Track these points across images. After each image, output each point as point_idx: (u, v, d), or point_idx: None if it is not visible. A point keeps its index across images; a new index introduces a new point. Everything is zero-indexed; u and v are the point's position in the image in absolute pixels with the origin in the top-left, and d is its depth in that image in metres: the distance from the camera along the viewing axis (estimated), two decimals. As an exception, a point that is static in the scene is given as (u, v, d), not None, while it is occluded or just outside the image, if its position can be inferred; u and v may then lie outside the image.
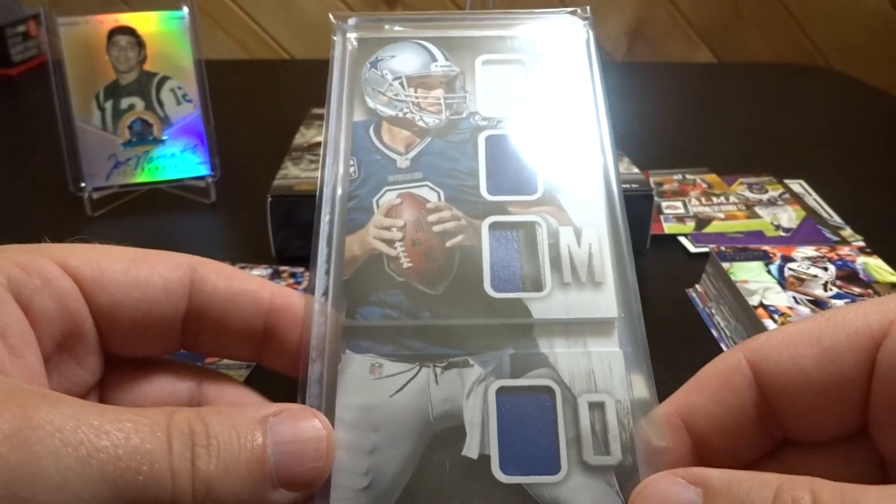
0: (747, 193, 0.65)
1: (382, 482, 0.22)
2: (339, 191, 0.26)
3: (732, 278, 0.45)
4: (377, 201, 0.26)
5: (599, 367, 0.23)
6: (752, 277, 0.45)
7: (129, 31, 0.59)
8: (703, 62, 1.17)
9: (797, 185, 0.66)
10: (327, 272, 0.25)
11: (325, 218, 0.26)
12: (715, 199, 0.64)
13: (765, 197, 0.64)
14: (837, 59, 1.20)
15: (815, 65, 1.20)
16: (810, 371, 0.20)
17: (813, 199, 0.64)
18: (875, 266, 0.46)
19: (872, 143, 0.81)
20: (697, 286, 0.50)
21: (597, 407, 0.23)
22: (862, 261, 0.47)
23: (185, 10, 0.60)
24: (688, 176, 0.68)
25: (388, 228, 0.26)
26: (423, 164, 0.27)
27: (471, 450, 0.22)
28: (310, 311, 0.24)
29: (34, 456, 0.16)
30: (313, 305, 0.24)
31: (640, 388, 0.23)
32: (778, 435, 0.22)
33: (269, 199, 0.52)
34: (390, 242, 0.26)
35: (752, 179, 0.67)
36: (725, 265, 0.46)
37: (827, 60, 1.21)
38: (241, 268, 0.52)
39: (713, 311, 0.47)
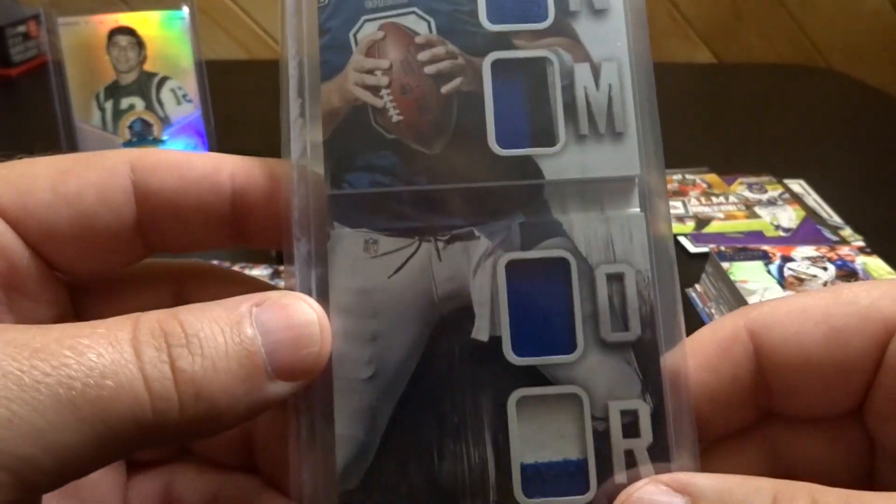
0: (747, 193, 0.65)
1: (387, 371, 0.20)
2: (306, 26, 0.22)
3: (732, 278, 0.45)
4: (354, 36, 0.22)
5: (618, 233, 0.21)
6: (751, 277, 0.45)
7: (129, 32, 0.59)
8: (703, 62, 1.17)
9: (797, 185, 0.66)
10: (303, 128, 0.21)
11: (293, 63, 0.22)
12: (714, 199, 0.64)
13: (764, 197, 0.64)
14: (837, 60, 1.20)
15: (814, 65, 1.20)
16: (815, 351, 0.19)
17: (812, 199, 0.64)
18: (875, 266, 0.46)
19: (872, 143, 0.81)
20: (697, 286, 0.50)
21: (615, 279, 0.21)
22: (861, 260, 0.47)
23: (186, 10, 0.60)
24: (688, 176, 0.68)
25: (370, 72, 0.21)
26: None
27: (480, 332, 0.21)
28: (288, 181, 0.21)
29: None
30: (291, 173, 0.21)
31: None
32: (765, 407, 0.21)
33: None
34: (375, 90, 0.21)
35: (752, 179, 0.67)
36: (725, 265, 0.46)
37: (827, 61, 1.21)
38: (241, 268, 0.52)
39: (713, 310, 0.47)
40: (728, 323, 0.21)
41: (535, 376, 0.20)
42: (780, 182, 0.67)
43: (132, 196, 0.21)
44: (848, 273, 0.45)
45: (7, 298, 0.20)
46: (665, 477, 0.19)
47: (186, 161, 0.21)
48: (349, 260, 0.21)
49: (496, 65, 0.22)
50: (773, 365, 0.20)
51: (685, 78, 1.07)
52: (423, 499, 0.20)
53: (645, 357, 0.20)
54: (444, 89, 0.22)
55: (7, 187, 0.20)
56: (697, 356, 0.21)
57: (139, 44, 0.59)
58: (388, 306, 0.21)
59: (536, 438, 0.20)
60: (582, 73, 0.22)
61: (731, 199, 0.64)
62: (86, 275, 0.22)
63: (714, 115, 0.89)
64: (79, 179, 0.20)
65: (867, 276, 0.45)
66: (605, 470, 0.20)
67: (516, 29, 0.22)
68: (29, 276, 0.20)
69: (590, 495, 0.20)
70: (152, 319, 0.17)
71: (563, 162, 0.21)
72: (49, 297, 0.21)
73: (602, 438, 0.20)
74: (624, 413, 0.20)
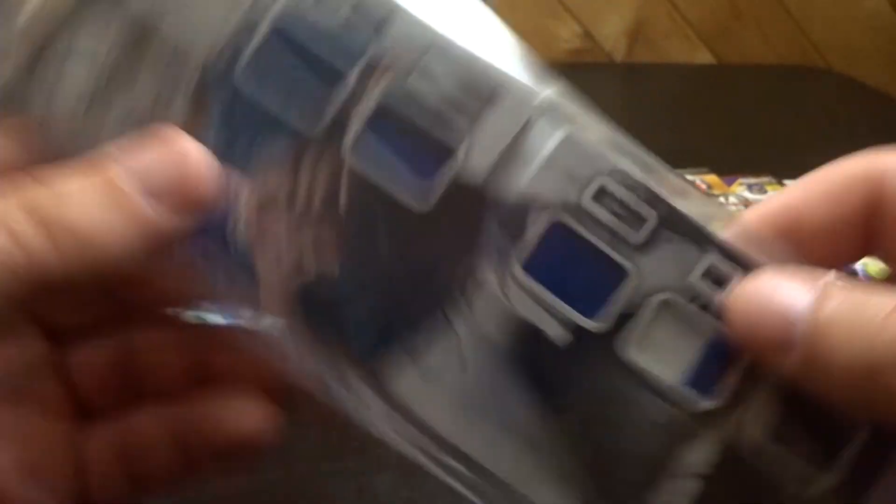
0: (747, 194, 0.65)
1: None
2: None
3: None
4: None
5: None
6: (751, 278, 0.45)
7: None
8: (702, 63, 1.17)
9: (797, 186, 0.67)
10: None
11: None
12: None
13: (764, 198, 0.64)
14: (837, 61, 1.20)
15: (814, 66, 1.20)
16: None
17: (813, 199, 0.64)
18: (875, 267, 0.46)
19: (872, 143, 0.81)
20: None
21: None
22: (862, 261, 0.47)
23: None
24: (687, 176, 0.68)
25: None
26: None
27: None
28: None
29: None
30: None
31: None
32: (863, 254, 0.20)
33: None
34: None
35: (752, 180, 0.67)
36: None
37: (827, 61, 1.21)
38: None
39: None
40: (850, 165, 0.21)
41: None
42: (780, 183, 0.67)
43: None
44: (848, 273, 0.45)
45: None
46: (792, 267, 0.17)
47: None
48: None
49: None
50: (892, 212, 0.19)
51: (685, 79, 1.07)
52: None
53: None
54: None
55: None
56: (811, 195, 0.20)
57: (140, 45, 0.59)
58: None
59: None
60: None
61: (731, 199, 0.64)
62: None
63: (714, 116, 0.89)
64: None
65: (867, 276, 0.45)
66: None
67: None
68: None
69: None
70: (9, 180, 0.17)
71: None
72: None
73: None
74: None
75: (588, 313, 0.20)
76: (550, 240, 0.20)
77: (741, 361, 0.19)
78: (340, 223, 0.19)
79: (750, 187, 0.66)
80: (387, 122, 0.19)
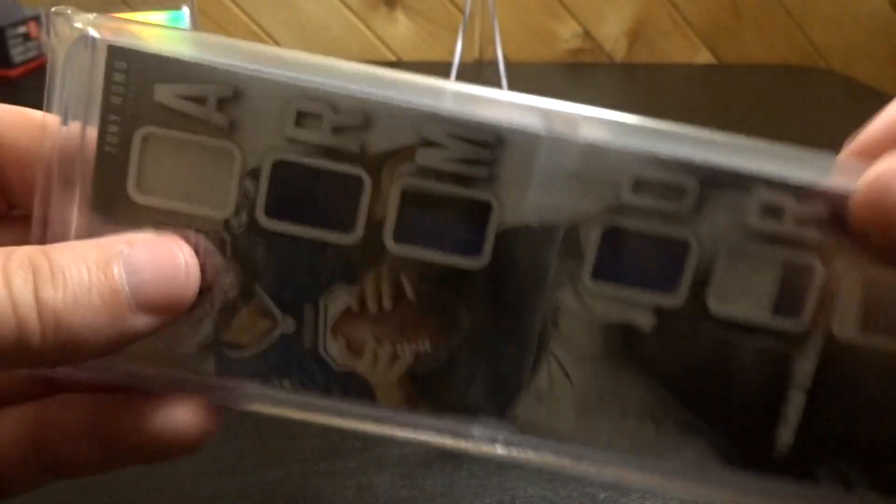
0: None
1: None
2: None
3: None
4: None
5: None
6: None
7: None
8: (702, 63, 1.17)
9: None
10: None
11: None
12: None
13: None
14: (837, 60, 1.20)
15: (814, 66, 1.20)
16: None
17: (812, 199, 0.64)
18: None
19: (872, 143, 0.81)
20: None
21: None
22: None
23: (186, 10, 0.60)
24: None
25: None
26: None
27: None
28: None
29: None
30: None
31: None
32: None
33: None
34: None
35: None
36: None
37: (827, 61, 1.21)
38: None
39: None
40: None
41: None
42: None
43: None
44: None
45: None
46: None
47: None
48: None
49: None
50: None
51: (685, 79, 1.07)
52: None
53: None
54: None
55: None
56: (889, 128, 0.21)
57: (140, 44, 0.59)
58: None
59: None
60: None
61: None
62: None
63: (714, 116, 0.89)
64: None
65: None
66: None
67: None
68: None
69: None
70: (23, 253, 0.18)
71: None
72: None
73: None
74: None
75: (666, 292, 0.21)
76: (608, 244, 0.21)
77: (818, 276, 0.21)
78: (416, 308, 0.21)
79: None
80: (415, 203, 0.21)
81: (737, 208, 0.20)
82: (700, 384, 0.22)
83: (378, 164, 0.21)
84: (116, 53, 0.20)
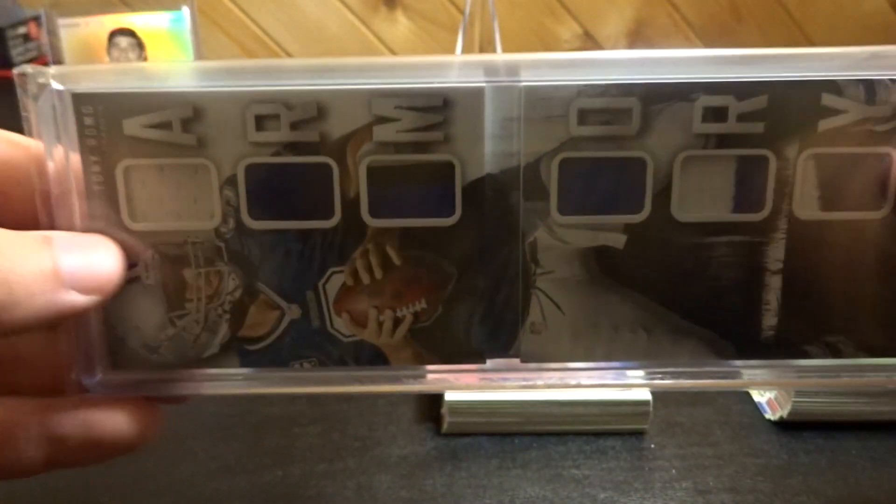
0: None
1: None
2: None
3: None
4: None
5: None
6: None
7: (129, 33, 0.59)
8: (702, 63, 1.17)
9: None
10: None
11: None
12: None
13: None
14: (837, 61, 1.20)
15: (814, 66, 1.20)
16: None
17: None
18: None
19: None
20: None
21: None
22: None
23: (186, 11, 0.60)
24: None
25: None
26: None
27: None
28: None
29: None
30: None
31: None
32: None
33: None
34: None
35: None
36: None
37: (826, 62, 1.21)
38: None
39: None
40: None
41: None
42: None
43: None
44: None
45: None
46: None
47: None
48: None
49: None
50: None
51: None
52: None
53: None
54: None
55: None
56: None
57: (139, 45, 0.59)
58: None
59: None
60: None
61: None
62: None
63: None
64: None
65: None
66: None
67: None
68: None
69: None
70: None
71: None
72: None
73: None
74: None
75: (632, 210, 0.22)
76: (568, 177, 0.22)
77: (771, 165, 0.22)
78: (405, 272, 0.23)
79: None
80: (382, 178, 0.22)
81: (682, 117, 0.22)
82: (681, 289, 0.23)
83: (340, 148, 0.22)
84: (81, 99, 0.22)
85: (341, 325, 0.23)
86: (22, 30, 1.04)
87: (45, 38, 0.58)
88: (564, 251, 0.23)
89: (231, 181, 0.22)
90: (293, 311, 0.23)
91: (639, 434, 0.37)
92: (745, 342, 0.23)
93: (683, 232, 0.23)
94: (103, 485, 0.33)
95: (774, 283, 0.23)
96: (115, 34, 0.58)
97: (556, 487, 0.34)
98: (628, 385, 0.25)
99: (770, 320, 0.23)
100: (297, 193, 0.22)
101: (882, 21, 1.18)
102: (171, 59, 0.60)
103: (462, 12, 0.76)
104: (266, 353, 0.24)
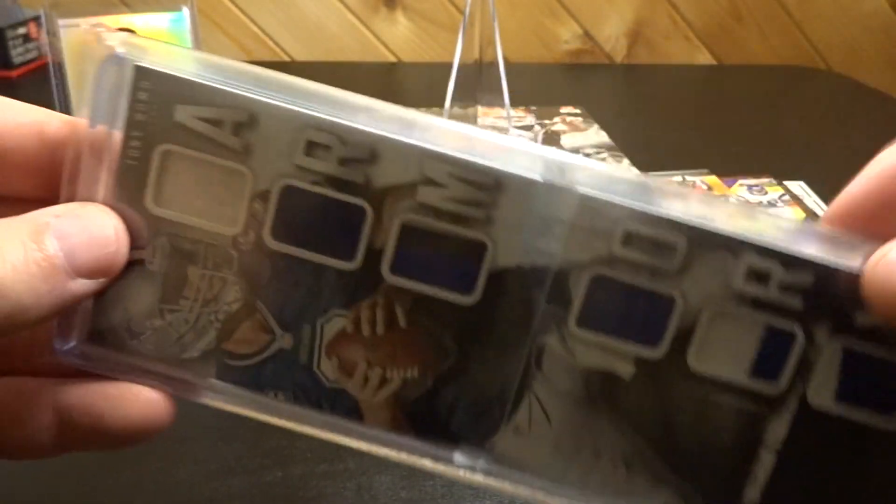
0: (747, 195, 0.65)
1: None
2: None
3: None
4: None
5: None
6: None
7: (129, 33, 0.59)
8: (702, 64, 1.18)
9: (797, 187, 0.67)
10: None
11: None
12: (715, 201, 0.64)
13: (764, 199, 0.64)
14: (836, 61, 1.20)
15: (814, 66, 1.20)
16: None
17: (812, 200, 0.64)
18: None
19: (872, 144, 0.81)
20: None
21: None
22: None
23: (186, 11, 0.60)
24: (688, 178, 0.68)
25: None
26: None
27: None
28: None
29: None
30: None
31: None
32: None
33: None
34: None
35: (752, 181, 0.67)
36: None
37: (826, 62, 1.21)
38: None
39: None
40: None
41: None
42: (780, 184, 0.67)
43: None
44: None
45: None
46: None
47: (14, 105, 0.23)
48: None
49: None
50: None
51: (685, 80, 1.07)
52: None
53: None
54: None
55: None
56: (864, 188, 0.22)
57: (139, 45, 0.59)
58: None
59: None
60: None
61: (731, 200, 0.64)
62: None
63: (714, 117, 0.89)
64: None
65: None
66: None
67: None
68: None
69: None
70: None
71: None
72: None
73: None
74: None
75: (648, 345, 0.22)
76: (595, 293, 0.22)
77: (797, 343, 0.21)
78: (407, 336, 0.22)
79: (750, 188, 0.66)
80: (413, 238, 0.22)
81: (723, 270, 0.21)
82: (674, 436, 0.22)
83: (380, 197, 0.21)
84: (142, 73, 0.21)
85: (328, 369, 0.23)
86: (22, 30, 1.04)
87: (44, 39, 0.58)
88: (570, 364, 0.22)
89: (263, 196, 0.22)
90: (285, 340, 0.23)
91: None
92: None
93: (693, 382, 0.22)
94: (104, 486, 0.33)
95: (768, 460, 0.22)
96: (115, 35, 0.58)
97: (557, 488, 0.34)
98: None
99: (753, 495, 0.22)
100: (324, 227, 0.22)
101: (882, 22, 1.18)
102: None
103: (462, 12, 0.76)
104: (245, 372, 0.23)
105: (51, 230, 0.20)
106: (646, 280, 0.21)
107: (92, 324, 0.23)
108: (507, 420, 0.23)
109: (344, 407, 0.23)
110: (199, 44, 0.61)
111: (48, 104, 0.60)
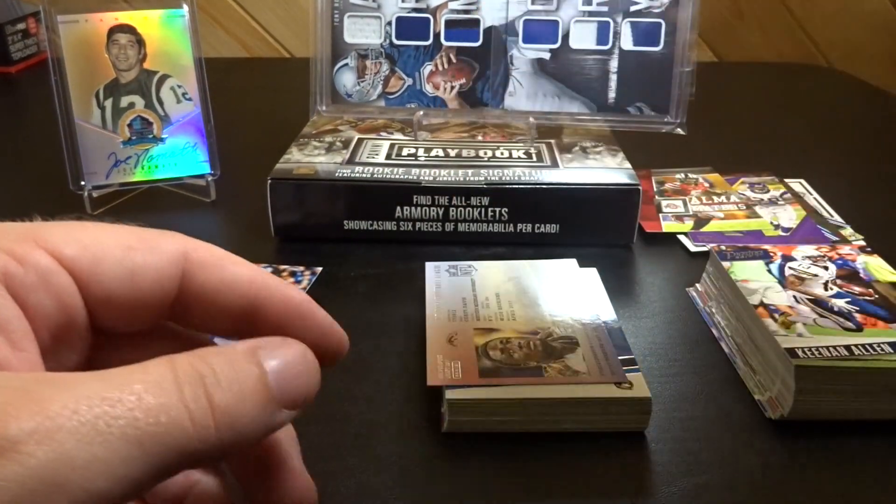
0: (748, 193, 0.65)
1: None
2: None
3: (733, 277, 0.45)
4: None
5: None
6: (752, 276, 0.45)
7: (129, 30, 0.59)
8: (704, 61, 1.17)
9: (798, 185, 0.66)
10: None
11: None
12: (715, 199, 0.64)
13: (766, 196, 0.64)
14: (838, 58, 1.20)
15: (815, 64, 1.20)
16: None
17: (813, 198, 0.64)
18: (875, 265, 0.46)
19: (873, 141, 0.81)
20: (698, 285, 0.50)
21: None
22: (862, 260, 0.47)
23: (185, 8, 0.60)
24: (690, 175, 0.68)
25: None
26: None
27: None
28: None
29: (59, 444, 0.17)
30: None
31: None
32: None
33: (269, 182, 0.55)
34: None
35: (754, 179, 0.67)
36: (726, 264, 0.46)
37: (827, 59, 1.21)
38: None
39: (713, 310, 0.47)
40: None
41: None
42: (782, 181, 0.67)
43: (177, 283, 0.25)
44: (849, 272, 0.45)
45: (54, 347, 0.23)
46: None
47: (227, 261, 0.26)
48: None
49: None
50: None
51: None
52: None
53: None
54: None
55: (83, 253, 0.23)
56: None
57: (139, 42, 0.59)
58: None
59: None
60: None
61: (732, 198, 0.64)
62: (115, 332, 0.25)
63: (715, 115, 0.88)
64: (143, 259, 0.24)
65: (868, 275, 0.45)
66: None
67: None
68: (78, 331, 0.24)
69: None
70: (185, 362, 0.20)
71: None
72: (82, 347, 0.24)
73: None
74: None
75: (554, 42, 0.61)
76: (526, 26, 0.63)
77: None
78: (458, 64, 0.62)
79: (752, 186, 0.65)
80: (452, 24, 0.65)
81: None
82: (577, 78, 0.61)
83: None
84: None
85: (428, 88, 0.60)
86: (21, 26, 1.04)
87: (43, 35, 0.57)
88: (523, 59, 0.59)
89: (389, 23, 0.60)
90: (409, 81, 0.58)
91: (639, 434, 0.37)
92: (600, 104, 0.60)
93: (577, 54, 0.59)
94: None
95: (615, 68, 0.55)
96: (114, 31, 0.58)
97: (557, 487, 0.34)
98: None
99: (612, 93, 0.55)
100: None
101: (884, 20, 1.18)
102: (170, 55, 0.60)
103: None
104: (396, 97, 0.60)
105: (263, 362, 0.22)
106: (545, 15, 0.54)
107: (332, 94, 0.61)
108: (507, 86, 0.61)
109: (438, 103, 0.61)
110: (198, 40, 0.60)
111: (47, 100, 0.60)
